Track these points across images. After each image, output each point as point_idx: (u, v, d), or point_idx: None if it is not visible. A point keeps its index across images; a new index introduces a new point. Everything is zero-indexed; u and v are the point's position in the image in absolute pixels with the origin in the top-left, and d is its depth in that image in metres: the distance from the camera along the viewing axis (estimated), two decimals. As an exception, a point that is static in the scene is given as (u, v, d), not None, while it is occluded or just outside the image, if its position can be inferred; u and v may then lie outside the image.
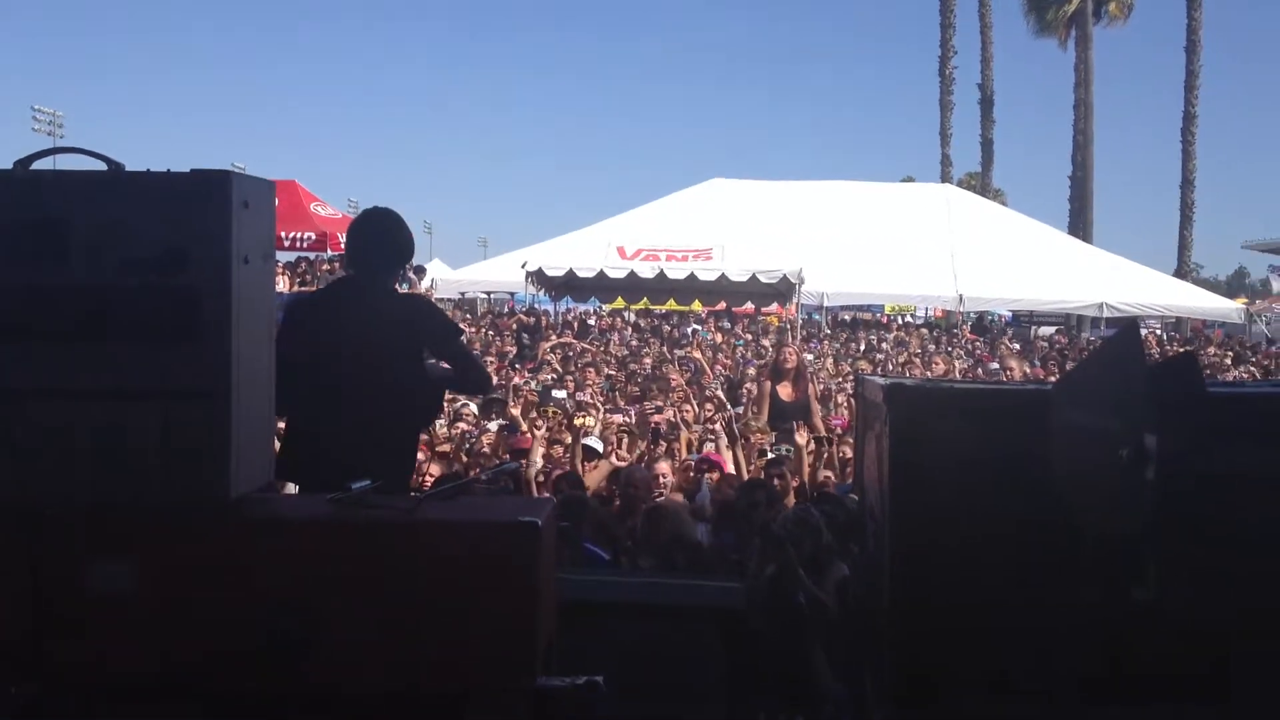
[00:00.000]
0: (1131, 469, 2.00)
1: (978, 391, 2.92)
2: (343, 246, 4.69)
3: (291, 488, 4.33)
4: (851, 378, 13.50)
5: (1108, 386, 2.21)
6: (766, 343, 20.00)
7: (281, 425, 4.45)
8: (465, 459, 7.64)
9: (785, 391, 9.61)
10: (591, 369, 13.56)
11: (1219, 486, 2.22)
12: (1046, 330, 30.79)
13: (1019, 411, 2.50)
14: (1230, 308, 27.96)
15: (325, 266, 20.07)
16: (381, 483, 2.61)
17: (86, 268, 2.35)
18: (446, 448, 8.11)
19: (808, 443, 7.47)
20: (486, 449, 7.79)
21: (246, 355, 2.45)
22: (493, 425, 9.07)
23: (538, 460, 7.12)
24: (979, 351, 19.57)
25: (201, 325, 2.36)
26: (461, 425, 8.87)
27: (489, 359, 15.46)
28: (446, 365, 4.65)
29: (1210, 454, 2.13)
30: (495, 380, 12.77)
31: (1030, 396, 2.65)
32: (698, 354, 14.78)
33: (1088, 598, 2.41)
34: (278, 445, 4.53)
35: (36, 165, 2.53)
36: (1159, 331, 30.70)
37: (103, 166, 2.47)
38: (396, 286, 4.94)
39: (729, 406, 10.01)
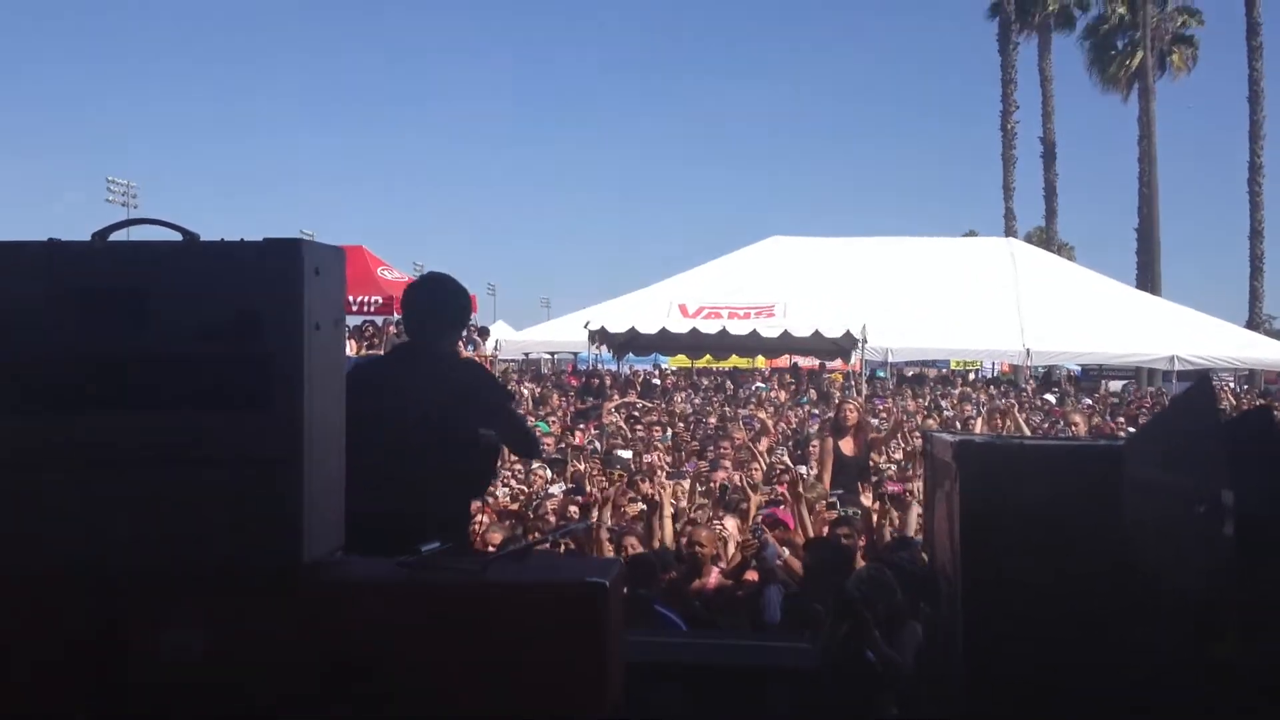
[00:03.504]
0: (1207, 524, 1.96)
1: (1049, 448, 2.87)
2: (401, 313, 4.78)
3: None
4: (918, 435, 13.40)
5: (1182, 440, 2.17)
6: (835, 397, 19.93)
7: None
8: (532, 517, 7.65)
9: (847, 447, 9.57)
10: (657, 428, 13.56)
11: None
12: (1116, 384, 30.35)
13: (1092, 467, 2.46)
14: (1305, 359, 27.37)
15: (392, 329, 20.31)
16: (451, 545, 2.63)
17: (162, 336, 2.40)
18: (514, 506, 8.14)
19: (874, 503, 7.40)
20: (552, 513, 7.80)
21: (318, 420, 2.48)
22: (555, 489, 9.09)
23: (606, 520, 7.12)
24: (1049, 406, 19.29)
25: (274, 391, 2.40)
26: (527, 488, 8.89)
27: (552, 419, 15.52)
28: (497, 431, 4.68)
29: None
30: (558, 441, 12.83)
31: (1103, 452, 2.61)
32: (762, 413, 14.73)
33: (1165, 657, 2.35)
34: None
35: (114, 237, 2.60)
36: (1232, 384, 30.12)
37: (177, 236, 2.54)
38: (461, 348, 4.99)
39: (793, 466, 9.97)
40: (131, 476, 2.41)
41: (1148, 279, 40.14)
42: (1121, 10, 45.24)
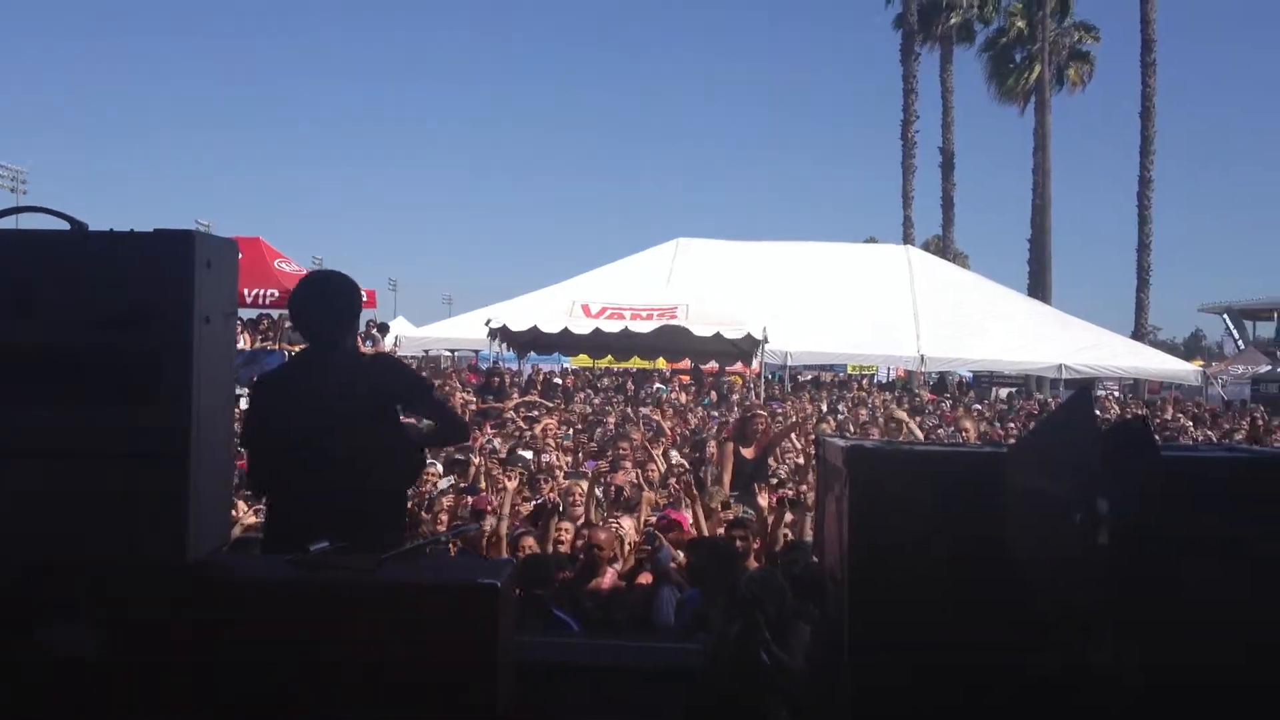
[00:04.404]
0: (1084, 533, 2.02)
1: (938, 454, 2.94)
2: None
3: None
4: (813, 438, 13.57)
5: (1061, 450, 2.24)
6: (733, 400, 20.05)
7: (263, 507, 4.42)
8: (425, 517, 7.58)
9: (749, 453, 9.66)
10: (555, 427, 13.53)
11: (1172, 550, 2.24)
12: (1006, 391, 31.07)
13: (978, 474, 2.52)
14: (1187, 370, 28.30)
15: (288, 324, 19.98)
16: (342, 544, 2.60)
17: (47, 327, 2.35)
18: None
19: (769, 505, 7.48)
20: (445, 511, 7.73)
21: (206, 416, 2.43)
22: (443, 483, 9.00)
23: (504, 519, 7.09)
24: (942, 411, 19.70)
25: (161, 385, 2.36)
26: (418, 486, 8.79)
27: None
28: (424, 421, 4.64)
29: (1163, 517, 2.15)
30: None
31: (990, 459, 2.67)
32: (658, 414, 14.78)
33: (1044, 661, 2.42)
34: (265, 523, 4.51)
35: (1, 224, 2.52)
36: (1117, 393, 31.02)
37: (66, 226, 2.48)
38: (360, 345, 4.91)
39: (690, 469, 10.03)
40: (13, 470, 2.35)
41: (1039, 288, 41.10)
42: (1020, 24, 46.29)
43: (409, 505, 7.78)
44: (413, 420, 4.68)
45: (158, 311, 2.36)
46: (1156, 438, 2.32)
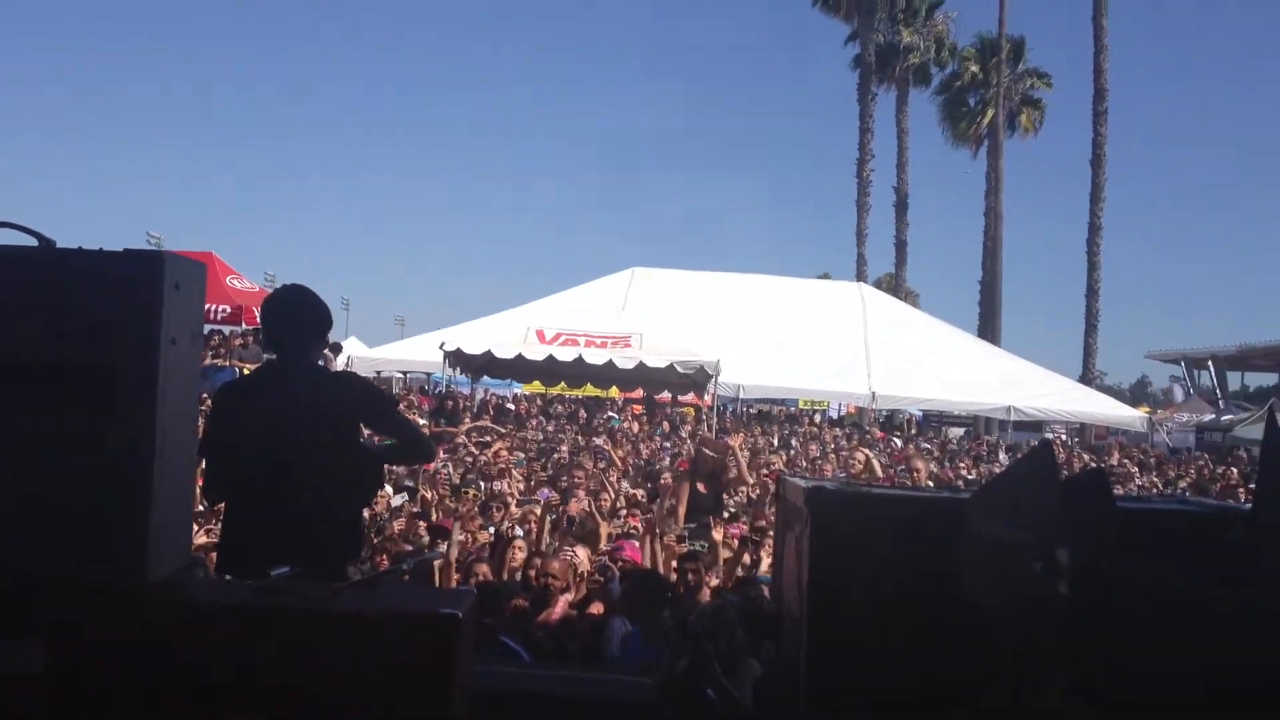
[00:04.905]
0: (1043, 581, 2.06)
1: (896, 498, 2.97)
2: (260, 324, 4.66)
3: None
4: (765, 472, 13.62)
5: (1022, 500, 2.28)
6: (684, 433, 20.06)
7: (221, 515, 4.38)
8: (374, 539, 7.53)
9: (703, 486, 9.68)
10: (506, 453, 13.50)
11: (1127, 598, 2.29)
12: (956, 431, 31.34)
13: (935, 517, 2.56)
14: (1133, 416, 28.65)
15: (239, 341, 19.83)
16: (301, 570, 2.58)
17: (14, 342, 2.33)
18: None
19: (723, 539, 7.50)
20: (397, 534, 7.70)
21: (170, 436, 2.42)
22: (396, 500, 8.96)
23: (454, 545, 7.06)
24: (892, 450, 19.85)
25: (126, 404, 2.34)
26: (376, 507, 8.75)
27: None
28: (386, 439, 4.63)
29: (1119, 566, 2.20)
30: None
31: (949, 504, 2.71)
32: (608, 445, 14.74)
33: (996, 703, 2.45)
34: (220, 536, 4.46)
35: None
36: (1064, 437, 31.38)
37: (34, 242, 2.46)
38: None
39: (646, 502, 10.04)
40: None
41: (989, 330, 41.52)
42: (974, 69, 46.92)
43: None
44: (373, 438, 4.66)
45: (125, 330, 2.35)
46: (1113, 489, 2.36)
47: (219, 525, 4.66)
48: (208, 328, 20.60)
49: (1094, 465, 17.29)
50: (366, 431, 4.66)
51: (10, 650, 2.33)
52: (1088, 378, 39.30)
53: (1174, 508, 2.78)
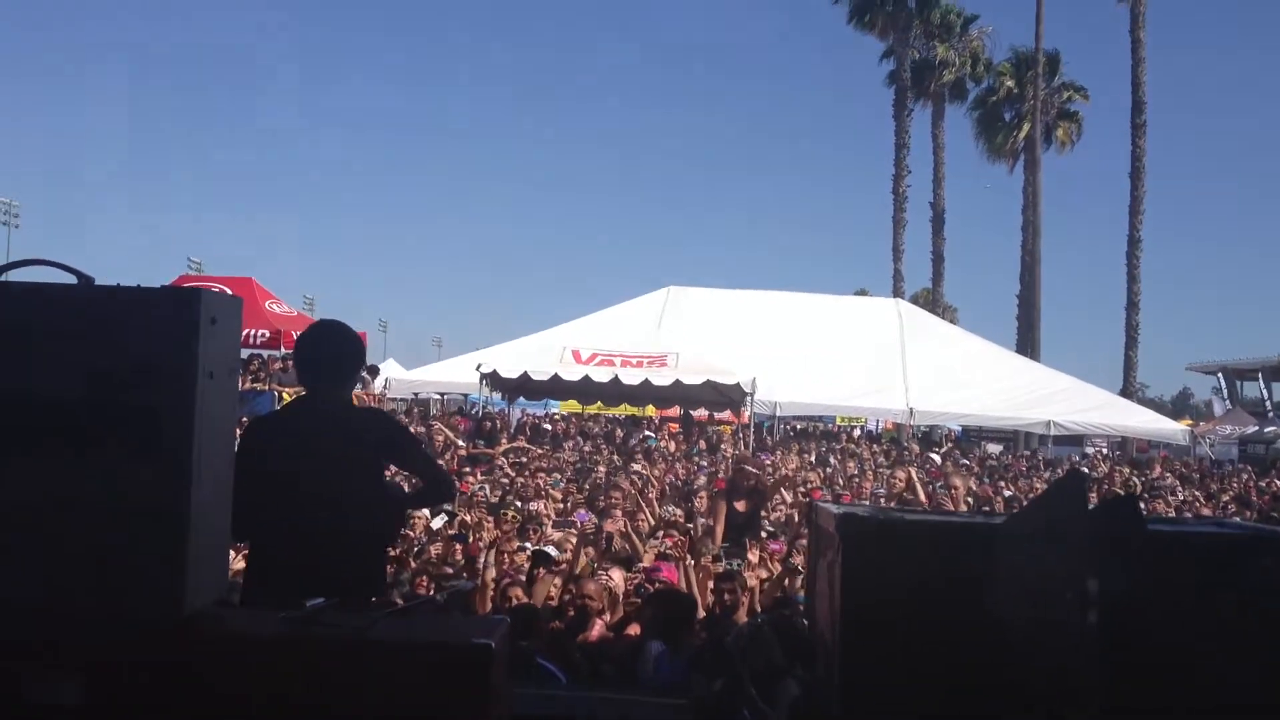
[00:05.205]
0: (1074, 611, 2.05)
1: (930, 524, 2.97)
2: (293, 359, 4.75)
3: None
4: (802, 490, 13.57)
5: (1052, 530, 2.27)
6: (727, 449, 20.01)
7: (244, 550, 4.43)
8: (413, 564, 7.57)
9: (741, 505, 9.66)
10: (544, 474, 13.53)
11: (1158, 624, 2.27)
12: (995, 446, 31.10)
13: (971, 544, 2.55)
14: (1175, 429, 28.35)
15: (278, 365, 20.00)
16: (336, 601, 2.61)
17: (53, 380, 2.37)
18: (394, 551, 8.04)
19: (759, 560, 7.49)
20: (435, 557, 7.73)
21: (206, 471, 2.46)
22: (436, 523, 9.01)
23: (490, 567, 7.09)
24: (931, 467, 19.71)
25: (164, 440, 2.38)
26: (409, 532, 8.79)
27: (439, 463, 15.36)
28: (409, 478, 4.67)
29: (1149, 592, 2.19)
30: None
31: (982, 529, 2.70)
32: (646, 469, 14.70)
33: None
34: (244, 567, 4.52)
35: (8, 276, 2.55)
36: (1105, 450, 31.06)
37: (73, 279, 2.51)
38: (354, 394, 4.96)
39: (682, 521, 10.02)
40: (15, 521, 2.37)
41: (1028, 344, 41.23)
42: (1010, 83, 46.74)
43: (397, 551, 7.81)
44: (399, 480, 4.71)
45: (162, 366, 2.39)
46: (1143, 514, 2.35)
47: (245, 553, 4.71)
48: (247, 352, 20.81)
49: (1129, 485, 17.06)
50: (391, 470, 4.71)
51: (50, 685, 2.37)
52: (1129, 391, 38.94)
53: (1208, 531, 2.76)
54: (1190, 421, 39.35)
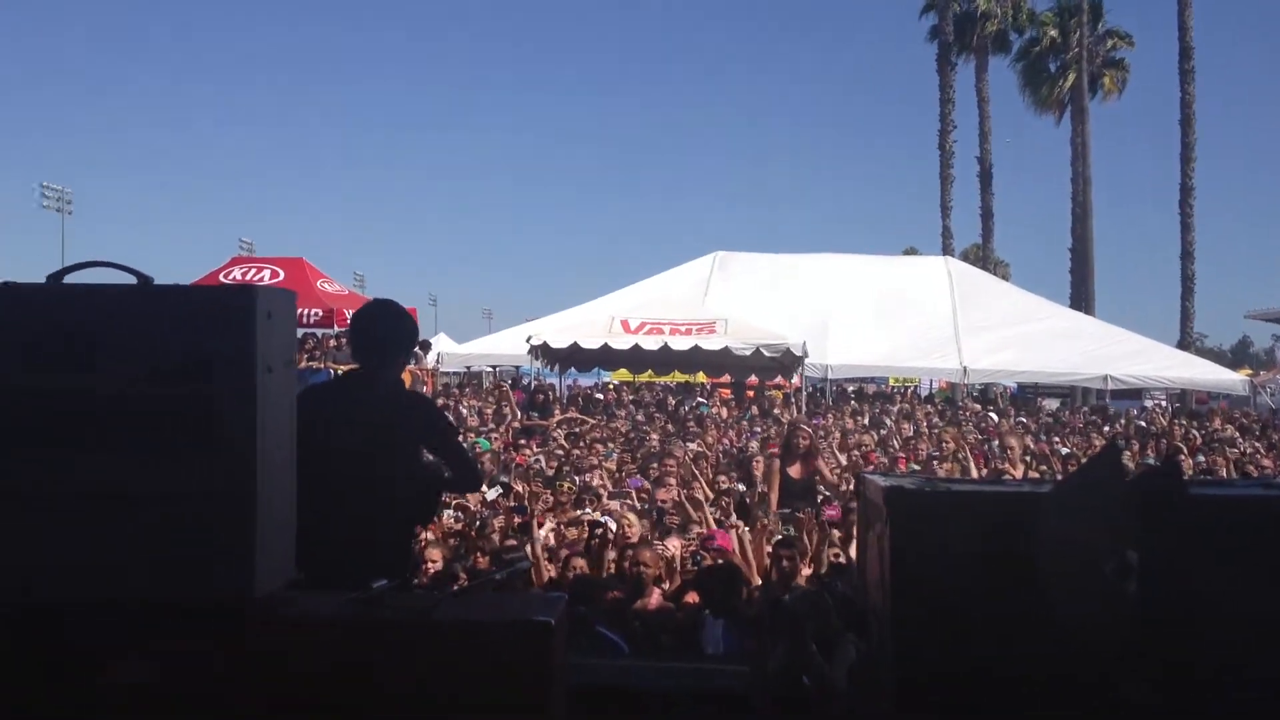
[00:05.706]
0: (1115, 582, 2.07)
1: (980, 495, 2.98)
2: (347, 337, 4.93)
3: None
4: (856, 452, 13.56)
5: (1092, 500, 2.29)
6: (780, 414, 20.00)
7: None
8: (475, 537, 7.68)
9: (795, 470, 9.67)
10: (599, 445, 13.61)
11: (1198, 593, 2.28)
12: (1053, 402, 30.80)
13: (1021, 514, 2.56)
14: (1234, 379, 27.93)
15: (332, 342, 20.24)
16: (399, 581, 2.70)
17: (119, 378, 2.46)
18: (458, 527, 8.17)
19: (813, 526, 7.52)
20: (498, 531, 7.84)
21: (269, 459, 2.54)
22: (490, 494, 9.12)
23: (547, 540, 7.19)
24: (987, 426, 19.56)
25: (228, 432, 2.47)
26: (471, 506, 8.91)
27: (494, 435, 15.54)
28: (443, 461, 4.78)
29: (1190, 561, 2.20)
30: (497, 457, 12.86)
31: (1028, 499, 2.72)
32: (701, 444, 14.74)
33: (1084, 699, 2.46)
34: None
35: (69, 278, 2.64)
36: (1164, 403, 30.67)
37: (132, 279, 2.60)
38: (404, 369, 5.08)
39: (739, 486, 10.07)
40: (85, 511, 2.46)
41: (1082, 298, 40.78)
42: (1053, 33, 46.01)
43: (461, 527, 7.95)
44: (433, 461, 4.82)
45: (223, 362, 2.47)
46: (1186, 483, 2.36)
47: None
48: (301, 331, 21.09)
49: (1189, 438, 16.83)
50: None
51: (127, 670, 2.47)
52: (1186, 342, 38.42)
53: (1252, 494, 2.75)
54: (1250, 371, 38.79)
